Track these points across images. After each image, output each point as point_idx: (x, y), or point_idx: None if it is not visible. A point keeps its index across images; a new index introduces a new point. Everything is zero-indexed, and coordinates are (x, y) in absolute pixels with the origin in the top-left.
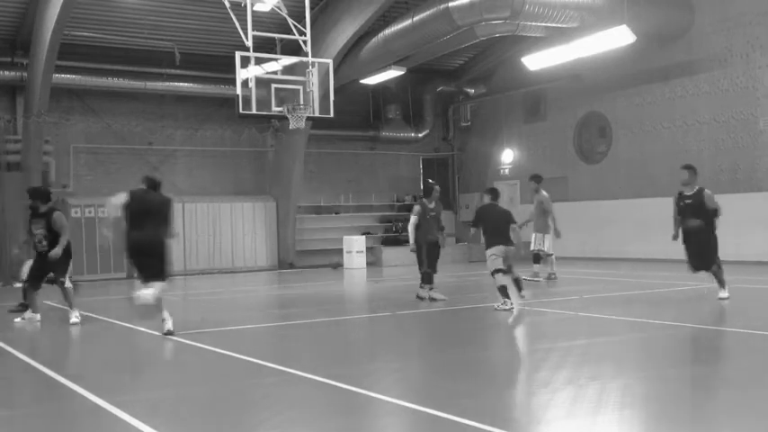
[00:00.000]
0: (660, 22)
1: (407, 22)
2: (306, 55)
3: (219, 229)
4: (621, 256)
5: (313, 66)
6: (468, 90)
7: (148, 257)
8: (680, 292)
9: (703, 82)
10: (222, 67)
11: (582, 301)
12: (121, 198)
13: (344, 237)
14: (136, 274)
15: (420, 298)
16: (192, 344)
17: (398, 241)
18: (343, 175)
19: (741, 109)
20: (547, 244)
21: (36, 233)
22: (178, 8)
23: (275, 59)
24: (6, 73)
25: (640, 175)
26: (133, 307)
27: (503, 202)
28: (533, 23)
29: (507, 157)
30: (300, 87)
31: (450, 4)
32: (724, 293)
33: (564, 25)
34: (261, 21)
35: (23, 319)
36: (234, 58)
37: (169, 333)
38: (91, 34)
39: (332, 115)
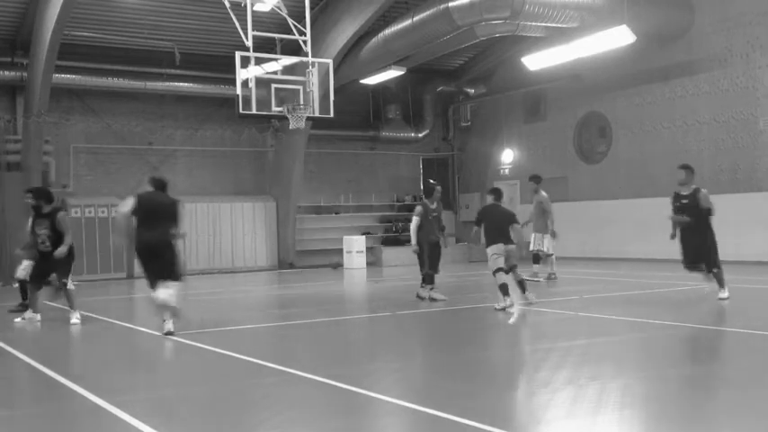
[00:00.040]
0: (660, 22)
1: (407, 22)
2: (306, 55)
3: (219, 229)
4: (621, 256)
5: (313, 66)
6: (468, 90)
7: (158, 258)
8: (680, 292)
9: (703, 82)
10: (222, 67)
11: (582, 301)
12: (128, 204)
13: (344, 237)
14: (145, 275)
15: (420, 297)
16: (192, 344)
17: (398, 241)
18: (343, 175)
19: (741, 109)
20: (546, 244)
21: (40, 233)
22: (178, 8)
23: (275, 59)
24: (6, 73)
25: (640, 175)
26: (155, 308)
27: (503, 202)
28: (533, 23)
29: (507, 157)
30: (300, 87)
31: (450, 4)
32: (724, 294)
33: (564, 25)
34: (261, 21)
35: (24, 318)
36: (234, 58)
37: (169, 333)
38: (91, 34)
39: (332, 115)
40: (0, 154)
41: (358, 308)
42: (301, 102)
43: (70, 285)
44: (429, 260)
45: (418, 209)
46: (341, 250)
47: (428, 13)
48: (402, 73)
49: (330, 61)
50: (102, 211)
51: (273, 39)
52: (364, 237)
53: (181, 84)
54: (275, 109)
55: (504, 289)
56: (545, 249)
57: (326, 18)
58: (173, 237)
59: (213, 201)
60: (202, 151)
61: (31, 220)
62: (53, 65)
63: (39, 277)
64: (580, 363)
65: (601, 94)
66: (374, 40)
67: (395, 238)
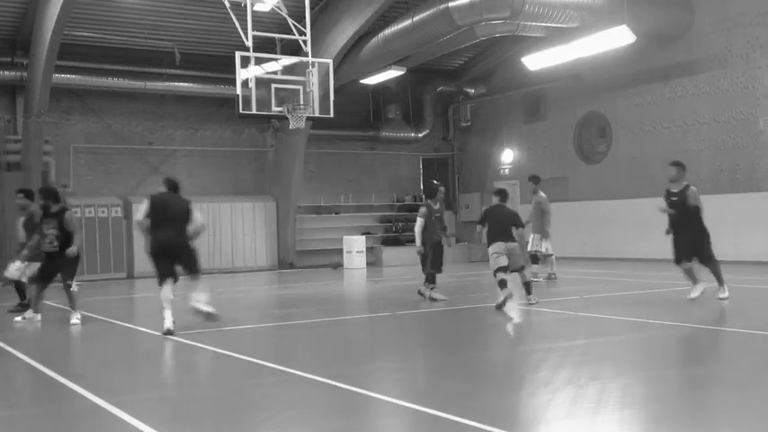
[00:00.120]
0: (660, 22)
1: (407, 22)
2: (306, 55)
3: (219, 229)
4: (621, 256)
5: (313, 66)
6: (468, 90)
7: (174, 258)
8: (680, 292)
9: (703, 82)
10: (222, 67)
11: (582, 301)
12: (142, 210)
13: (344, 237)
14: (156, 273)
15: (421, 294)
16: (192, 344)
17: (398, 241)
18: (343, 175)
19: (741, 109)
20: (544, 245)
21: (47, 233)
22: (178, 8)
23: (275, 59)
24: (6, 73)
25: (640, 175)
26: (194, 315)
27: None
28: (533, 23)
29: (507, 157)
30: (300, 87)
31: (450, 4)
32: (724, 293)
33: (564, 25)
34: (261, 21)
35: (24, 318)
36: (234, 58)
37: (168, 332)
38: (91, 34)
39: (332, 115)
40: (0, 154)
41: (358, 308)
42: (301, 102)
43: (74, 287)
44: (431, 260)
45: (422, 210)
46: (341, 250)
47: (428, 13)
48: (402, 73)
49: (330, 61)
50: (103, 212)
51: (273, 39)
52: (364, 237)
53: (181, 84)
54: (275, 109)
55: (502, 284)
56: (543, 250)
57: (326, 18)
58: (188, 237)
59: (213, 201)
60: (202, 151)
61: (22, 221)
62: (53, 65)
63: (45, 278)
64: (580, 363)
65: (601, 94)
66: (374, 40)
67: (395, 238)
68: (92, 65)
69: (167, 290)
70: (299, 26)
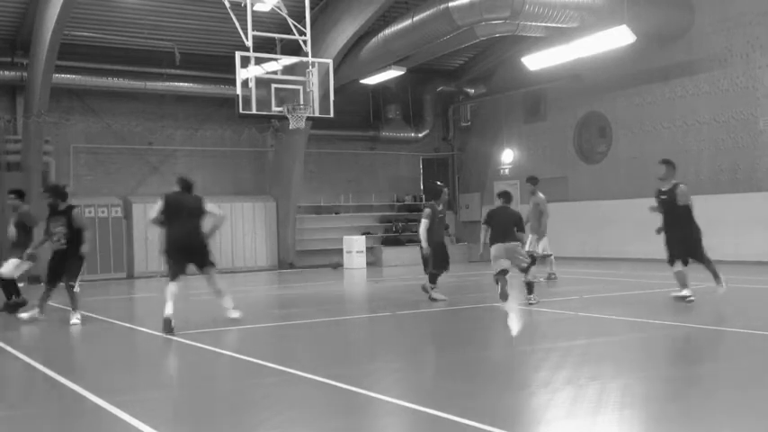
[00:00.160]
0: (660, 22)
1: (407, 22)
2: (306, 55)
3: (219, 229)
4: (621, 256)
5: (313, 66)
6: (468, 90)
7: (189, 255)
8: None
9: (703, 82)
10: (222, 67)
11: (582, 301)
12: (156, 209)
13: (344, 237)
14: (168, 269)
15: (425, 290)
16: (192, 344)
17: (398, 241)
18: (343, 175)
19: (741, 109)
20: (541, 245)
21: (55, 231)
22: (178, 8)
23: (275, 59)
24: (6, 73)
25: (640, 175)
26: (232, 321)
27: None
28: (533, 23)
29: (507, 157)
30: (300, 87)
31: (450, 4)
32: (722, 287)
33: (564, 25)
34: (261, 21)
35: (30, 316)
36: (234, 58)
37: (168, 321)
38: (91, 34)
39: (332, 115)
40: (0, 154)
41: (358, 308)
42: (301, 102)
43: (76, 287)
44: (433, 260)
45: (427, 211)
46: (341, 250)
47: (428, 13)
48: (402, 73)
49: (330, 61)
50: (103, 212)
51: (273, 39)
52: (364, 237)
53: (181, 84)
54: (275, 109)
55: (501, 274)
56: (539, 251)
57: (326, 18)
58: (202, 234)
59: (213, 201)
60: (202, 151)
61: (13, 221)
62: (53, 65)
63: (54, 278)
64: (580, 363)
65: (601, 94)
66: (374, 40)
67: (395, 238)
68: (92, 65)
69: (175, 286)
70: (299, 26)
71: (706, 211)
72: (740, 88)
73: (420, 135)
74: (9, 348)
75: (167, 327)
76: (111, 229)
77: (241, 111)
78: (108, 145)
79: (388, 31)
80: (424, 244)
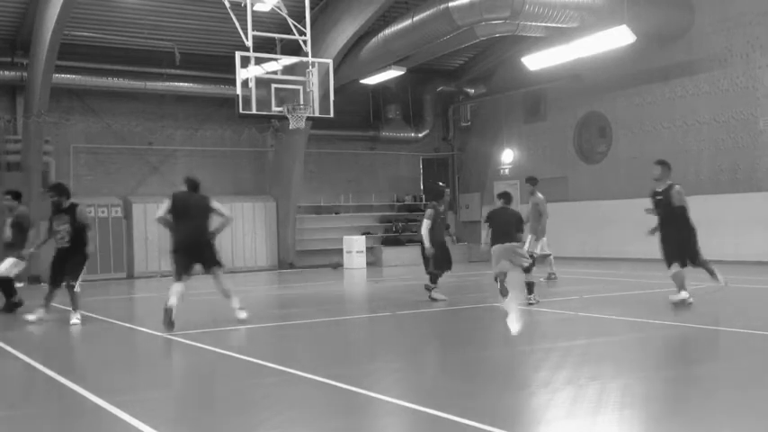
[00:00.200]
0: (660, 22)
1: (407, 22)
2: (306, 55)
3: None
4: (621, 256)
5: (313, 66)
6: (468, 90)
7: (196, 255)
8: None
9: (703, 82)
10: (222, 67)
11: (582, 301)
12: (163, 207)
13: (344, 237)
14: (175, 268)
15: (428, 289)
16: (192, 344)
17: (398, 241)
18: (343, 175)
19: (741, 109)
20: (539, 245)
21: (59, 229)
22: (178, 8)
23: (275, 59)
24: (6, 73)
25: (640, 175)
26: (237, 321)
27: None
28: (533, 23)
29: (507, 157)
30: (300, 87)
31: (450, 4)
32: (720, 282)
33: (564, 25)
34: (261, 21)
35: (36, 317)
36: (234, 58)
37: (169, 311)
38: (91, 34)
39: (332, 115)
40: (0, 154)
41: (358, 308)
42: (301, 102)
43: (77, 287)
44: (434, 260)
45: (429, 212)
46: (341, 250)
47: (428, 13)
48: (402, 73)
49: (330, 61)
50: (103, 212)
51: (273, 39)
52: (364, 237)
53: (181, 84)
54: (275, 109)
55: (499, 275)
56: (537, 251)
57: (326, 18)
58: (209, 233)
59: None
60: (202, 151)
61: (10, 222)
62: (53, 65)
63: (57, 278)
64: (580, 363)
65: (601, 94)
66: (374, 40)
67: (395, 238)
68: (92, 65)
69: (180, 285)
70: (299, 26)
71: (706, 211)
72: (740, 88)
73: (420, 135)
74: (9, 348)
75: (168, 317)
76: (111, 230)
77: (241, 111)
78: (108, 145)
79: (388, 31)
80: (427, 244)
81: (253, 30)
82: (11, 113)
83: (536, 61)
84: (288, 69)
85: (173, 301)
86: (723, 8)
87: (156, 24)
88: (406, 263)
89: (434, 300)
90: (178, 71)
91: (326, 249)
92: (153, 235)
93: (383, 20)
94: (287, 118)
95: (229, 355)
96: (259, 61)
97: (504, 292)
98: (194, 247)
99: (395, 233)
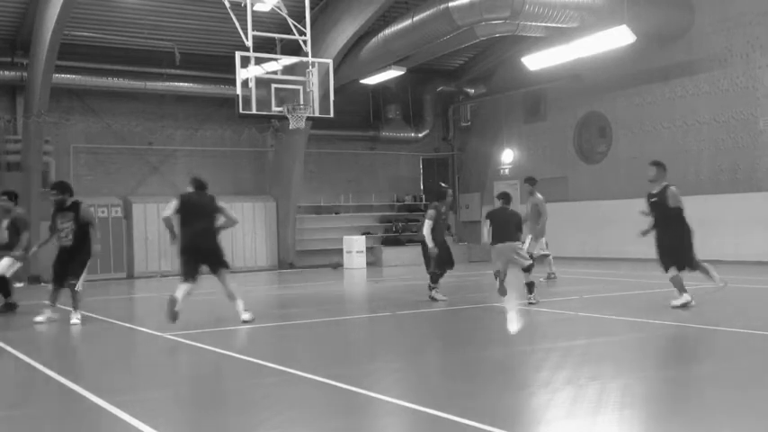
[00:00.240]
0: (660, 22)
1: (407, 22)
2: (306, 55)
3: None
4: (621, 256)
5: (313, 66)
6: (468, 90)
7: (204, 257)
8: None
9: (703, 82)
10: (222, 67)
11: (582, 301)
12: (171, 207)
13: (344, 237)
14: (182, 269)
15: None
16: (192, 344)
17: (398, 241)
18: (343, 175)
19: (741, 109)
20: (538, 246)
21: (63, 227)
22: (178, 8)
23: (275, 59)
24: (6, 73)
25: (640, 175)
26: (243, 322)
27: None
28: (533, 23)
29: (507, 157)
30: (300, 87)
31: (450, 4)
32: (719, 283)
33: (564, 25)
34: (261, 21)
35: (45, 318)
36: (234, 58)
37: (174, 301)
38: (91, 34)
39: (332, 115)
40: (0, 154)
41: (358, 308)
42: (301, 102)
43: (78, 286)
44: (436, 259)
45: (431, 212)
46: (341, 250)
47: (428, 13)
48: (402, 73)
49: (330, 61)
50: (103, 212)
51: (273, 39)
52: (364, 237)
53: (181, 84)
54: (275, 109)
55: (497, 274)
56: (536, 252)
57: (326, 18)
58: (216, 234)
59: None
60: (202, 151)
61: (6, 223)
62: (53, 65)
63: (60, 276)
64: (580, 363)
65: (601, 94)
66: (374, 40)
67: (395, 238)
68: (92, 65)
69: (187, 285)
70: (299, 26)
71: (706, 211)
72: (740, 88)
73: (420, 135)
74: (9, 348)
75: (172, 308)
76: (111, 230)
77: (241, 111)
78: (108, 145)
79: (388, 31)
80: (431, 244)
81: (253, 30)
82: (11, 113)
83: (536, 61)
84: (288, 69)
85: (179, 294)
86: (723, 8)
87: (156, 24)
88: (406, 263)
89: (434, 300)
90: (178, 71)
91: (326, 249)
92: (153, 235)
93: (383, 20)
94: (287, 118)
95: (229, 355)
96: (259, 61)
97: (502, 292)
98: (202, 250)
99: (395, 233)
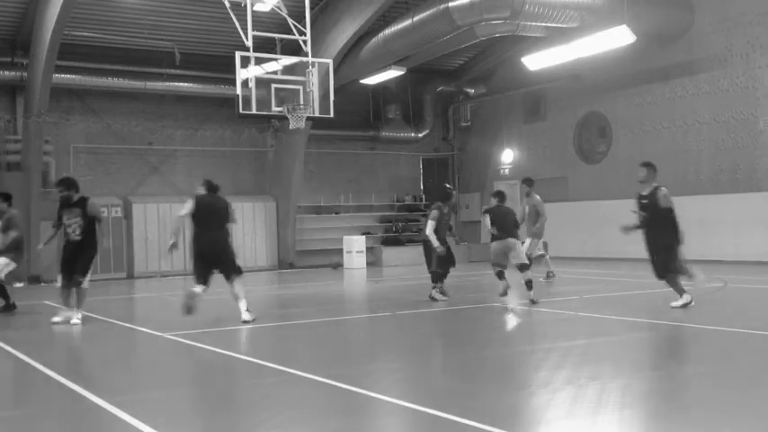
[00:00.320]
0: (660, 22)
1: (407, 22)
2: (306, 55)
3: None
4: (621, 256)
5: (313, 66)
6: (468, 90)
7: (217, 262)
8: None
9: (703, 82)
10: (222, 67)
11: (582, 301)
12: (187, 207)
13: (344, 237)
14: (195, 272)
15: (441, 292)
16: (192, 344)
17: (398, 241)
18: (343, 175)
19: (741, 109)
20: (535, 247)
21: (71, 223)
22: (178, 8)
23: (275, 59)
24: (6, 73)
25: None
26: (243, 322)
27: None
28: (533, 23)
29: (507, 157)
30: (300, 87)
31: (450, 4)
32: (695, 279)
33: (564, 25)
34: (261, 21)
35: (63, 318)
36: (234, 58)
37: (192, 295)
38: (91, 34)
39: (332, 115)
40: (0, 154)
41: (358, 308)
42: (301, 102)
43: (85, 284)
44: (436, 260)
45: (434, 213)
46: (341, 250)
47: (428, 13)
48: (402, 73)
49: (330, 61)
50: (103, 212)
51: (273, 39)
52: (364, 237)
53: (181, 84)
54: (275, 109)
55: (499, 275)
56: (532, 253)
57: (326, 18)
58: (228, 236)
59: None
60: (202, 151)
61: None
62: (53, 65)
63: (69, 273)
64: (580, 363)
65: (601, 94)
66: (374, 40)
67: (395, 238)
68: (92, 65)
69: (199, 288)
70: (299, 26)
71: (706, 211)
72: (740, 88)
73: (420, 135)
74: (9, 348)
75: (189, 300)
76: (112, 230)
77: (241, 111)
78: (108, 145)
79: (388, 31)
80: (436, 243)
81: (253, 30)
82: (11, 113)
83: (536, 61)
84: (288, 69)
85: (198, 289)
86: (723, 8)
87: (156, 24)
88: (406, 263)
89: (435, 300)
90: (178, 71)
91: (326, 249)
92: (153, 235)
93: (383, 20)
94: (287, 118)
95: (229, 355)
96: (259, 61)
97: (503, 293)
98: (216, 255)
99: (395, 233)
